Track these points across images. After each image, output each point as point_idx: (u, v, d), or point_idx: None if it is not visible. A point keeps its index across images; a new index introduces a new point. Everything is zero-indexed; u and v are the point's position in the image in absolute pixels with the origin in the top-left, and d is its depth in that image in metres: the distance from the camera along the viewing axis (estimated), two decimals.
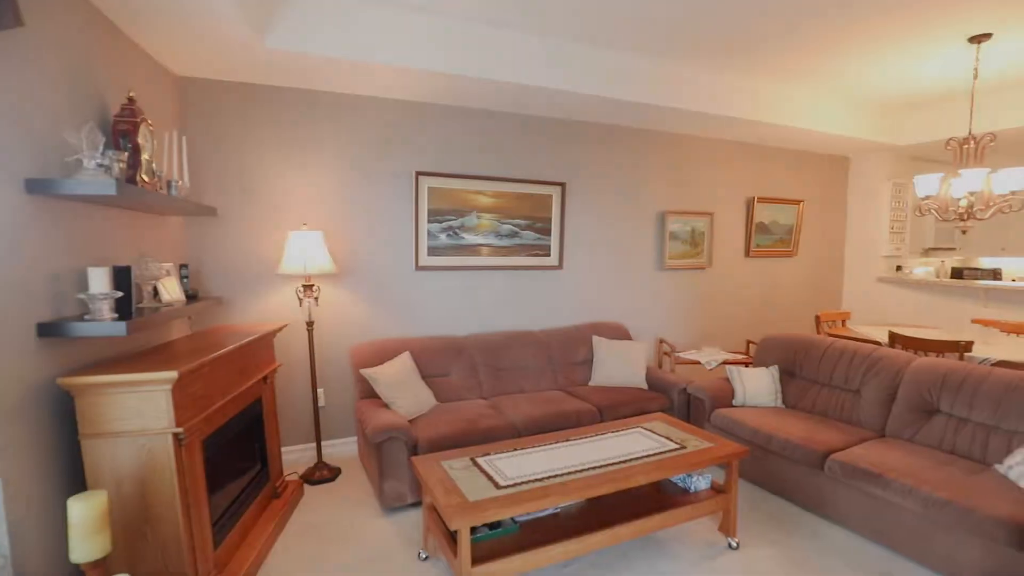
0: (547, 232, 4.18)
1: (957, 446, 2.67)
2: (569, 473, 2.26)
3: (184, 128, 3.05)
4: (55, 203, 1.84)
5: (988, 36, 3.21)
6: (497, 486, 2.14)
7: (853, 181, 5.76)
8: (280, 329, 2.94)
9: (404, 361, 3.36)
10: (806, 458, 2.78)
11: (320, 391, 3.54)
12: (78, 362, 1.93)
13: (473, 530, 2.08)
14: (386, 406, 3.09)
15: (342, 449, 3.66)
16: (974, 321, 4.64)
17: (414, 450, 2.82)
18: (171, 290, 2.40)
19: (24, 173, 1.69)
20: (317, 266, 3.10)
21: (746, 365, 4.01)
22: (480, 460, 2.40)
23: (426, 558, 2.45)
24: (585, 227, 4.36)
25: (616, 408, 3.44)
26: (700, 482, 2.57)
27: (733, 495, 2.52)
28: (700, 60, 3.66)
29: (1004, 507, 2.08)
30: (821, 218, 5.64)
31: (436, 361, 3.57)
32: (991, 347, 3.67)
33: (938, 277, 5.80)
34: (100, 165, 1.81)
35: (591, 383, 3.92)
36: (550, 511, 2.35)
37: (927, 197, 3.68)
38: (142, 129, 2.13)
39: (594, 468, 2.30)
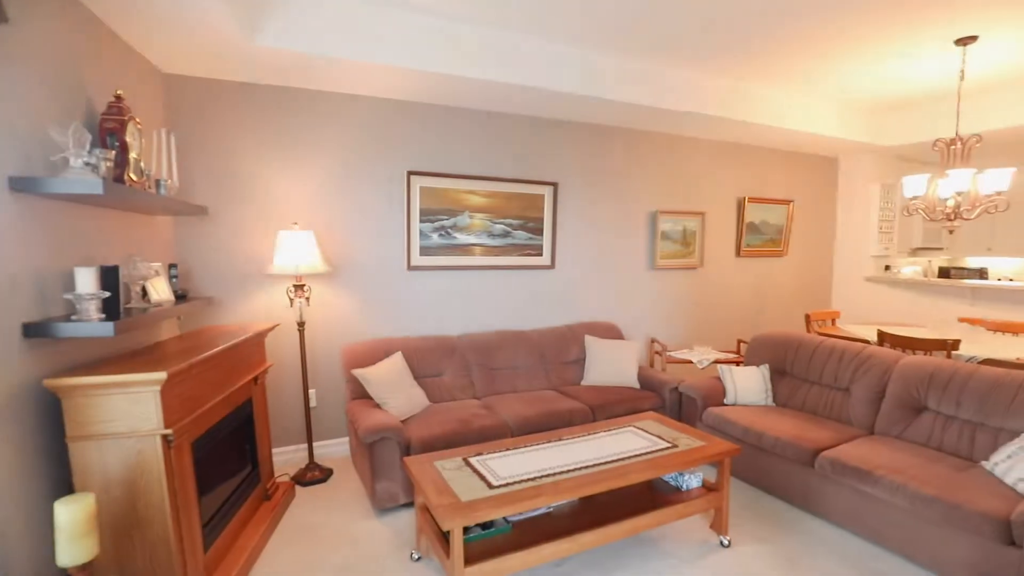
0: (539, 232, 4.19)
1: (944, 443, 2.71)
2: (561, 472, 2.26)
3: (173, 127, 3.02)
4: (41, 202, 1.81)
5: (974, 39, 3.26)
6: (490, 486, 2.14)
7: (842, 182, 5.82)
8: (271, 329, 2.92)
9: (396, 361, 3.35)
10: (797, 456, 2.81)
11: (311, 391, 3.52)
12: (65, 363, 1.90)
13: (466, 530, 2.08)
14: (378, 406, 3.07)
15: (334, 450, 3.64)
16: (961, 320, 4.70)
17: (406, 450, 2.81)
18: (160, 290, 2.37)
19: (8, 171, 1.67)
20: (308, 266, 3.08)
21: (737, 364, 4.03)
22: (473, 460, 2.40)
23: (419, 559, 2.44)
24: (577, 227, 4.37)
25: (608, 407, 3.46)
26: (692, 480, 2.58)
27: (725, 493, 2.54)
28: (691, 62, 3.69)
29: (990, 503, 2.11)
30: (810, 218, 5.70)
31: (428, 361, 3.57)
32: (977, 345, 3.71)
33: (926, 276, 5.88)
34: (87, 164, 1.79)
35: (583, 382, 3.93)
36: (543, 510, 2.35)
37: (915, 197, 3.73)
38: (130, 127, 2.11)
39: (586, 467, 2.31)
